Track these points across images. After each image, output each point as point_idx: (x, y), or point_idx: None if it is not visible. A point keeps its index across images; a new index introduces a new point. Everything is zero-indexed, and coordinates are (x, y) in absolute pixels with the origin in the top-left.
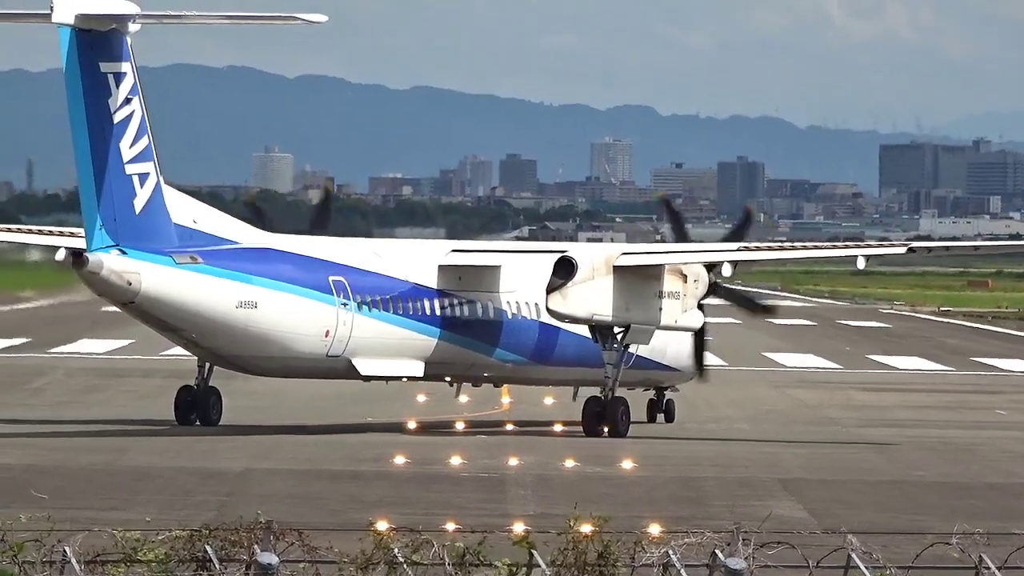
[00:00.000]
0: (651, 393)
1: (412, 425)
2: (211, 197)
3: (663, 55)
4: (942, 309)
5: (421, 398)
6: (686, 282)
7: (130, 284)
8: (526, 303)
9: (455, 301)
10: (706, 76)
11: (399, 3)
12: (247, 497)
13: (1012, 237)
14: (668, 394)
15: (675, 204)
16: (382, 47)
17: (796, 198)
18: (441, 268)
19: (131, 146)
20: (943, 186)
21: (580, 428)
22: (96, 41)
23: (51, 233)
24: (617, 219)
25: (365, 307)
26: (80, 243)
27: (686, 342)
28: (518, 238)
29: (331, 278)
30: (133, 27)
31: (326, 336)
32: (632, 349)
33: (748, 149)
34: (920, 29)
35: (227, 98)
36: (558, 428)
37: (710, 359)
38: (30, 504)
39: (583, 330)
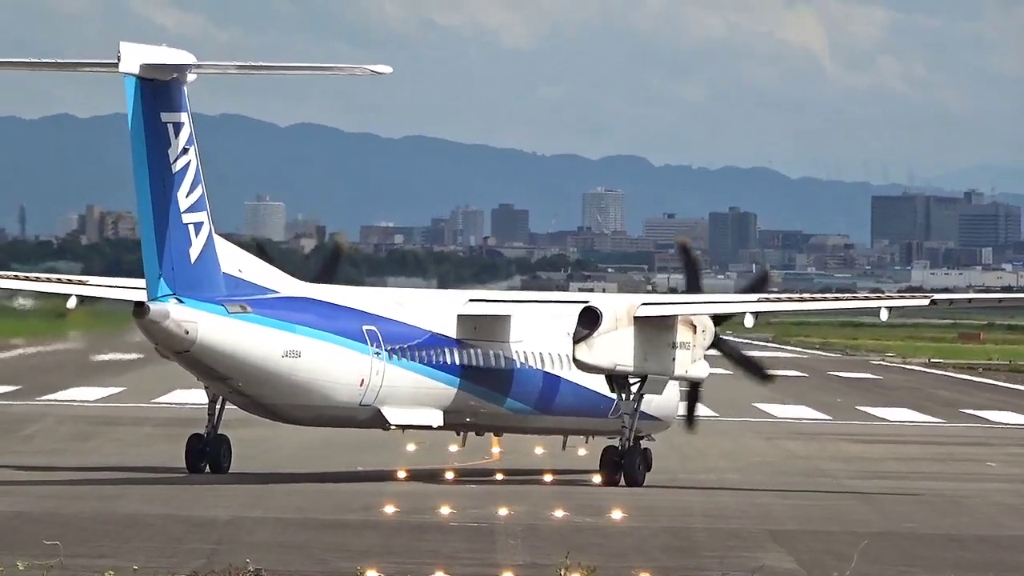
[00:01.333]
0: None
1: (402, 474)
2: None
3: (655, 106)
4: (932, 361)
5: (411, 447)
6: (695, 333)
7: (187, 333)
8: (532, 353)
9: (472, 351)
10: (698, 127)
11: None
12: (236, 545)
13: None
14: (644, 443)
15: (694, 252)
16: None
17: (788, 249)
18: (459, 318)
19: (187, 195)
20: (935, 238)
21: (572, 477)
22: (158, 91)
23: (59, 281)
24: (609, 269)
25: (395, 356)
26: (88, 291)
27: (670, 392)
28: (510, 287)
29: (364, 327)
30: (190, 76)
31: (360, 385)
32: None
33: (740, 200)
34: (912, 82)
35: (219, 146)
36: (548, 478)
37: (701, 410)
38: (20, 552)
39: (582, 379)
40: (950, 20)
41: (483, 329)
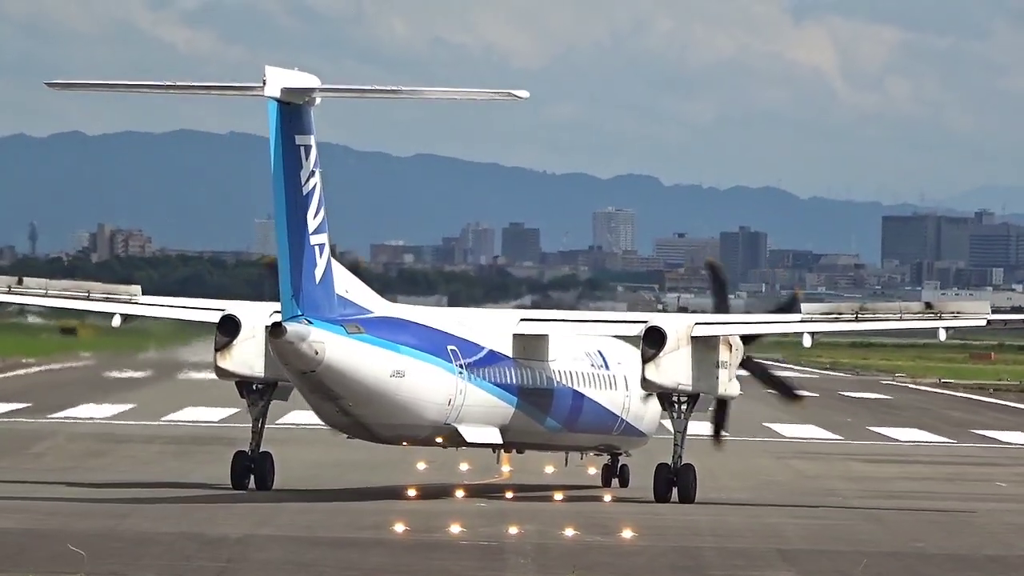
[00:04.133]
0: (605, 458)
1: (412, 492)
2: (212, 263)
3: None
4: (943, 381)
5: (421, 466)
6: (731, 352)
7: (316, 354)
8: (564, 371)
9: (526, 370)
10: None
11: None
12: (246, 564)
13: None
14: (622, 459)
15: (723, 271)
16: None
17: (798, 269)
18: (515, 337)
19: (315, 217)
20: (945, 258)
21: (579, 492)
22: (293, 114)
23: (96, 298)
24: (619, 288)
25: (472, 375)
26: (125, 309)
27: (655, 408)
28: (520, 306)
29: (449, 347)
30: (317, 100)
31: (448, 404)
32: (621, 414)
33: (750, 219)
34: (923, 102)
35: (229, 164)
36: (559, 496)
37: (714, 430)
38: (31, 568)
39: (598, 397)
40: (960, 39)
41: (531, 348)
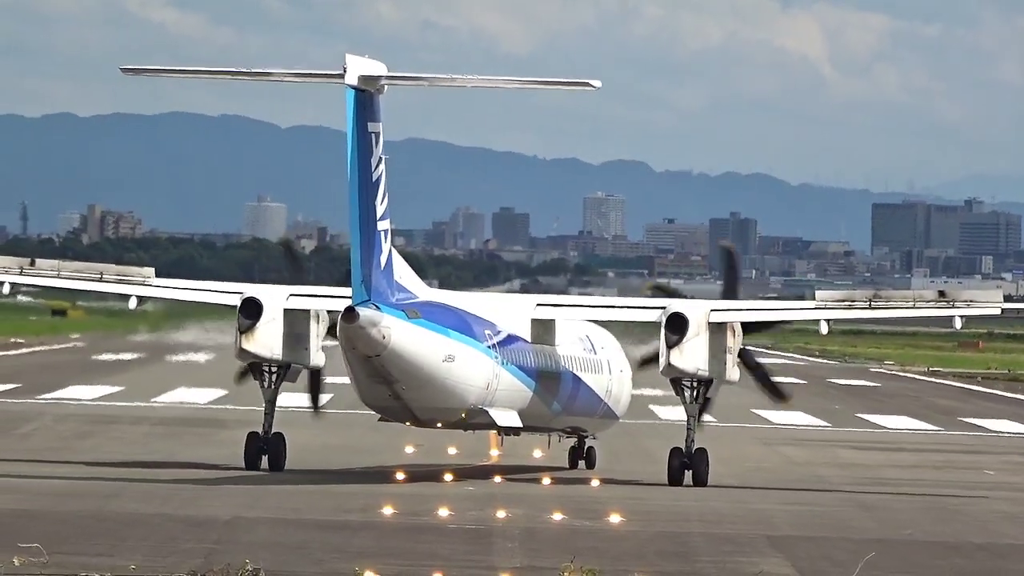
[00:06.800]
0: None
1: (400, 476)
2: (203, 246)
3: (656, 112)
4: (931, 369)
5: (409, 449)
6: (735, 337)
7: (383, 338)
8: (566, 356)
9: (542, 355)
10: (699, 133)
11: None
12: (234, 545)
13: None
14: (588, 441)
15: (738, 257)
16: None
17: (788, 255)
18: (533, 322)
19: (381, 203)
20: (935, 246)
21: (569, 475)
22: (366, 102)
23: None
24: (609, 274)
25: (504, 360)
26: (142, 291)
27: (628, 391)
28: (509, 291)
29: (486, 331)
30: (385, 88)
31: (487, 388)
32: (604, 398)
33: (740, 206)
34: (912, 91)
35: (220, 147)
36: (546, 481)
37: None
38: (17, 549)
39: (590, 381)
40: (949, 27)
41: (544, 333)
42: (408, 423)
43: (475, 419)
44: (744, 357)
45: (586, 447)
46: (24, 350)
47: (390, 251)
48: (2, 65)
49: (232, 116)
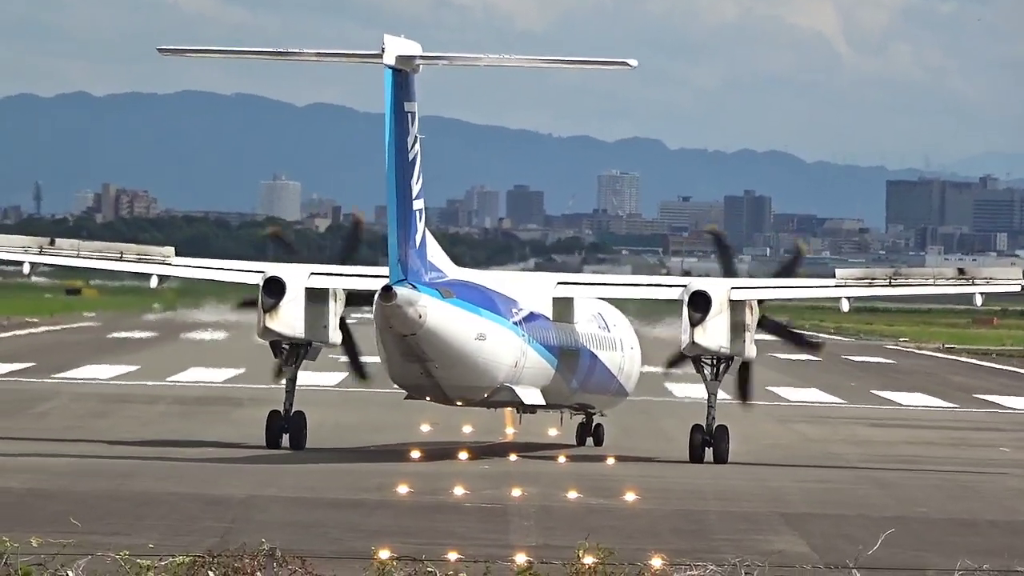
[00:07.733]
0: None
1: (416, 454)
2: (217, 225)
3: (672, 90)
4: (946, 346)
5: (425, 427)
6: (752, 314)
7: (420, 317)
8: (585, 334)
9: (561, 332)
10: (714, 111)
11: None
12: (250, 524)
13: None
14: (596, 419)
15: (725, 238)
16: None
17: (802, 232)
18: (554, 300)
19: (416, 182)
20: (950, 223)
21: (583, 453)
22: (403, 82)
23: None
24: (624, 252)
25: (530, 338)
26: (164, 270)
27: (637, 368)
28: (524, 269)
29: (513, 309)
30: (420, 68)
31: (515, 366)
32: (617, 375)
33: (755, 183)
34: (928, 68)
35: (235, 126)
36: (562, 459)
37: (741, 392)
38: (33, 528)
39: (605, 359)
40: (963, 4)
41: (565, 311)
42: (434, 400)
43: (501, 396)
44: (765, 323)
45: (594, 424)
46: (39, 329)
47: (424, 230)
48: (16, 44)
49: (247, 95)
